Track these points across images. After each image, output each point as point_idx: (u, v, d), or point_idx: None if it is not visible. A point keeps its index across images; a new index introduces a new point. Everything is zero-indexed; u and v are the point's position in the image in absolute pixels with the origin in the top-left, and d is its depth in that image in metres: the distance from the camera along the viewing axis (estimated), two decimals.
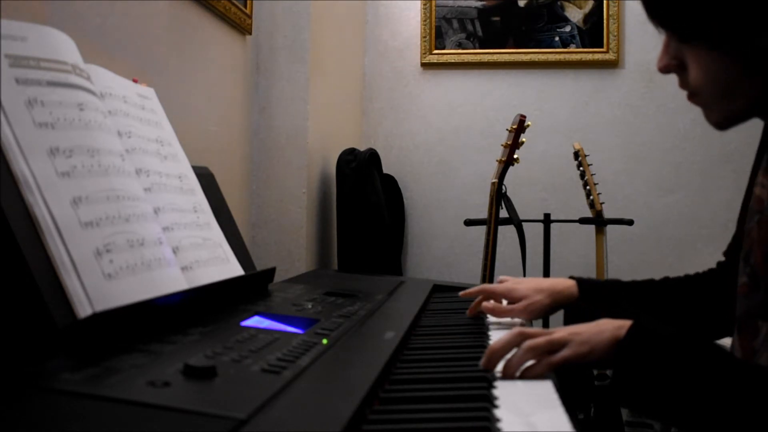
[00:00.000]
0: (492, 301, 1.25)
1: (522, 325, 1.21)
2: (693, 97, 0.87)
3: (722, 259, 1.19)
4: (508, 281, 1.28)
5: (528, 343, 0.85)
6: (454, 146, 3.03)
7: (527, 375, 0.84)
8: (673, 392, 0.78)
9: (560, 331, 0.86)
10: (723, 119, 0.86)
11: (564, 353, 0.84)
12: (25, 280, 0.70)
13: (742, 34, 0.77)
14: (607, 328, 0.85)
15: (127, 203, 0.86)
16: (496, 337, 1.08)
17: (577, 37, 2.96)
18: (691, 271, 1.27)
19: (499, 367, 0.84)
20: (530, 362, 0.84)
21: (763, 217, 0.86)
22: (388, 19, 3.09)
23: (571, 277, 1.26)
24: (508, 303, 1.26)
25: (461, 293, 1.28)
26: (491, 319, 1.25)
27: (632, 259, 2.89)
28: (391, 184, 2.93)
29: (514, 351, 0.85)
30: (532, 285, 1.25)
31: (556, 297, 1.23)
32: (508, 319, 1.26)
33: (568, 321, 1.24)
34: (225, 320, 0.89)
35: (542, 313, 1.23)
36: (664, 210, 2.90)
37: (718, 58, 0.80)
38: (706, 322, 1.17)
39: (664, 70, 0.87)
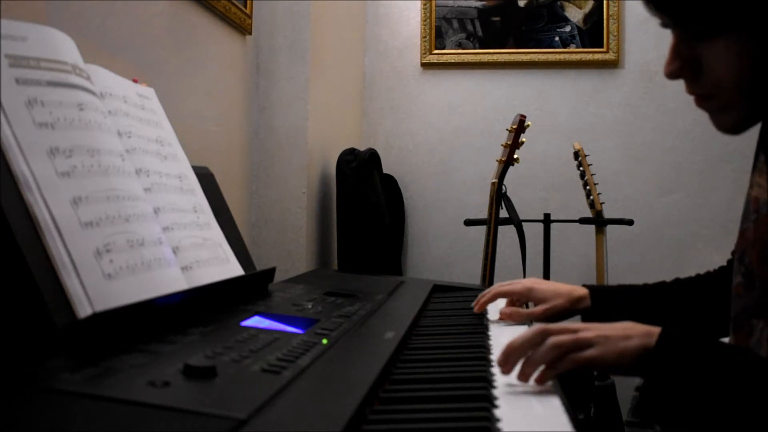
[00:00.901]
0: (505, 305, 1.25)
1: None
2: (706, 100, 0.83)
3: (728, 257, 1.19)
4: (523, 281, 1.28)
5: (554, 339, 0.81)
6: (454, 146, 3.03)
7: (549, 373, 0.80)
8: (710, 404, 0.76)
9: (586, 331, 0.83)
10: (741, 119, 0.83)
11: (591, 353, 0.81)
12: (25, 280, 0.69)
13: None
14: (634, 333, 0.82)
15: (127, 203, 0.86)
16: (496, 334, 1.08)
17: (577, 37, 2.96)
18: (691, 271, 1.27)
19: (516, 369, 0.81)
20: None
21: (760, 216, 0.86)
22: (388, 19, 3.09)
23: (584, 285, 1.27)
24: (530, 303, 1.27)
25: (477, 309, 1.26)
26: (491, 317, 1.25)
27: (632, 259, 2.89)
28: (391, 184, 2.92)
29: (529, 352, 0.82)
30: (551, 288, 1.25)
31: (574, 304, 1.23)
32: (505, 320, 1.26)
33: None
34: (225, 320, 0.89)
35: (560, 318, 1.23)
36: (664, 210, 2.90)
37: (746, 50, 0.77)
38: (718, 321, 1.16)
39: (675, 74, 0.83)
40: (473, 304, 1.27)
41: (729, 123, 0.84)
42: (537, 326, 0.85)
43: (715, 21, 0.77)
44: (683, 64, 0.82)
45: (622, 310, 1.21)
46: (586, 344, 0.82)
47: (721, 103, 0.83)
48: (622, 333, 0.82)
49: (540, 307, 1.23)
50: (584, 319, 1.24)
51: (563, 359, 0.81)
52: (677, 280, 1.25)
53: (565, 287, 1.25)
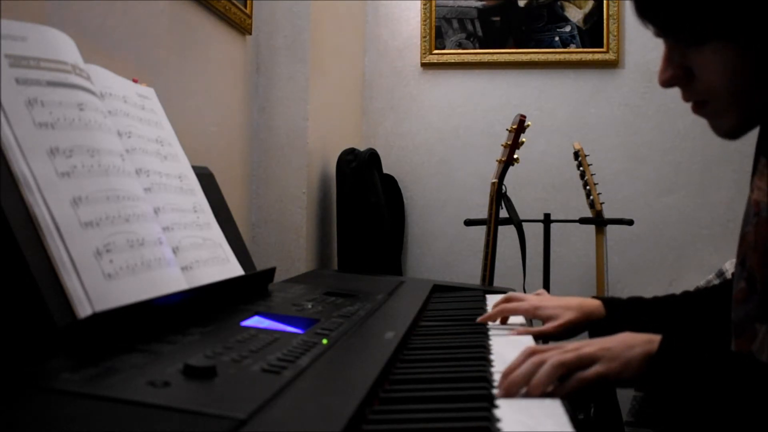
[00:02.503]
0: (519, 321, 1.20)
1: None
2: (702, 107, 0.84)
3: (728, 257, 1.18)
4: (530, 298, 1.22)
5: (557, 358, 0.78)
6: (454, 146, 3.03)
7: (558, 393, 0.77)
8: (712, 408, 0.76)
9: (587, 346, 0.81)
10: (737, 124, 0.83)
11: (597, 369, 0.79)
12: (25, 280, 0.69)
13: (761, 24, 0.75)
14: (636, 342, 0.80)
15: (127, 203, 0.86)
16: (496, 335, 1.08)
17: (577, 37, 2.95)
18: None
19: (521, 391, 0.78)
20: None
21: (761, 219, 0.86)
22: (388, 19, 3.08)
23: (595, 297, 1.23)
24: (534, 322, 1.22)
25: (479, 319, 1.19)
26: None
27: (632, 259, 2.89)
28: (391, 184, 2.92)
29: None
30: (560, 303, 1.19)
31: (588, 315, 1.18)
32: (508, 321, 1.25)
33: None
34: (225, 320, 0.89)
35: (574, 333, 1.17)
36: (664, 210, 2.90)
37: (734, 55, 0.78)
38: (729, 333, 1.15)
39: (670, 82, 0.84)
40: (478, 319, 1.20)
41: (726, 128, 0.85)
42: (530, 348, 0.81)
43: (700, 29, 0.79)
44: (676, 72, 0.84)
45: (635, 322, 1.17)
46: (590, 360, 0.79)
47: (715, 108, 0.84)
48: (624, 344, 0.81)
49: (551, 324, 1.16)
50: (592, 332, 1.19)
51: (570, 379, 0.78)
52: (686, 293, 1.23)
53: (574, 300, 1.20)
